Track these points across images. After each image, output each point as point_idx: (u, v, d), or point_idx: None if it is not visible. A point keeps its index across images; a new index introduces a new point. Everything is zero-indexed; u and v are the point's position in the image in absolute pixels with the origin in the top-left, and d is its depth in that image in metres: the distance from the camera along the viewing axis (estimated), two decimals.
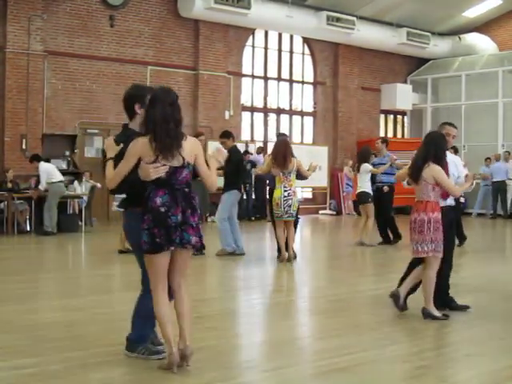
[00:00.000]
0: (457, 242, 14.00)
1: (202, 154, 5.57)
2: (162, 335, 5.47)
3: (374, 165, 14.57)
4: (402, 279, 7.79)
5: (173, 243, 5.32)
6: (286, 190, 11.58)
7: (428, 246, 7.23)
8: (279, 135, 13.43)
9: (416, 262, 7.55)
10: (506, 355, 6.04)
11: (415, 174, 7.45)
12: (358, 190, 14.54)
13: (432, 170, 7.30)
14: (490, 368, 5.68)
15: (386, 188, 14.49)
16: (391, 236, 14.60)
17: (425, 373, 5.43)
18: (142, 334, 5.80)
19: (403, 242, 13.77)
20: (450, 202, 7.80)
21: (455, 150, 14.29)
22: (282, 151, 11.61)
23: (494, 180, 22.94)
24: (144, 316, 5.76)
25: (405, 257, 12.84)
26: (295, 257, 11.96)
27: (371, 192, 14.32)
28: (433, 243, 7.23)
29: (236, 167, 12.23)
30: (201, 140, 12.71)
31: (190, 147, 5.42)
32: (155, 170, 5.25)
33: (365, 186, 14.28)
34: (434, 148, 7.40)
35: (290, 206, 11.61)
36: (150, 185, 5.33)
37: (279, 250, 12.03)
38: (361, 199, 14.54)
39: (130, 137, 5.52)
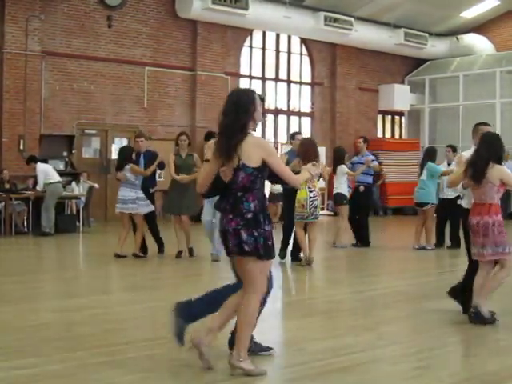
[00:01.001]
0: (449, 243, 14.03)
1: (272, 154, 5.38)
2: (245, 337, 5.38)
3: (353, 164, 14.55)
4: (463, 288, 7.51)
5: (227, 248, 5.37)
6: (311, 191, 11.26)
7: (493, 249, 7.05)
8: (296, 134, 12.95)
9: (476, 267, 7.27)
10: (503, 356, 6.05)
11: (478, 175, 7.11)
12: (334, 191, 14.38)
13: (498, 171, 7.10)
14: (487, 369, 5.69)
15: (361, 188, 14.33)
16: (357, 238, 14.37)
17: (422, 373, 5.44)
18: (194, 312, 5.79)
19: (399, 245, 13.78)
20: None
21: (453, 149, 14.36)
22: (313, 151, 11.13)
23: None
24: (210, 301, 5.78)
25: (402, 258, 12.87)
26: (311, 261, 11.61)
27: (347, 193, 14.19)
28: (499, 246, 7.05)
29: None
30: (142, 141, 12.59)
31: (252, 148, 5.27)
32: (223, 175, 5.26)
33: (341, 187, 14.12)
34: (495, 149, 7.18)
35: (315, 208, 11.34)
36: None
37: (291, 253, 11.90)
38: (336, 200, 14.41)
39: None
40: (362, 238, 14.24)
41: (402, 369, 5.57)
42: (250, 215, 5.21)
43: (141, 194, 12.02)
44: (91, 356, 5.81)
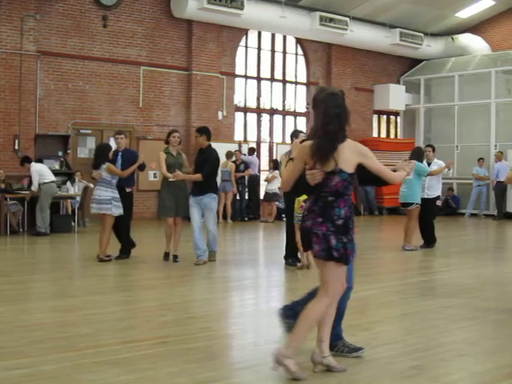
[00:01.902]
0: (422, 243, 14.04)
1: (369, 156, 5.36)
2: (303, 334, 5.42)
3: None
4: None
5: (310, 248, 5.37)
6: None
7: None
8: (298, 132, 12.40)
9: None
10: (498, 355, 6.05)
11: None
12: None
13: None
14: (482, 368, 5.69)
15: None
16: None
17: (418, 373, 5.44)
18: (337, 332, 5.86)
19: (393, 245, 13.78)
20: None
21: (433, 149, 14.48)
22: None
23: (499, 180, 22.83)
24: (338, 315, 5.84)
25: (397, 257, 12.86)
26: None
27: None
28: None
29: (215, 169, 11.59)
30: (122, 138, 12.22)
31: (349, 153, 5.26)
32: (312, 177, 5.23)
33: None
34: None
35: None
36: (311, 188, 5.34)
37: (290, 255, 11.60)
38: None
39: (308, 138, 5.60)
40: None
41: (397, 368, 5.57)
42: (340, 222, 5.24)
43: (116, 195, 11.72)
44: (85, 356, 5.81)
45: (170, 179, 11.46)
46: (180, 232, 11.85)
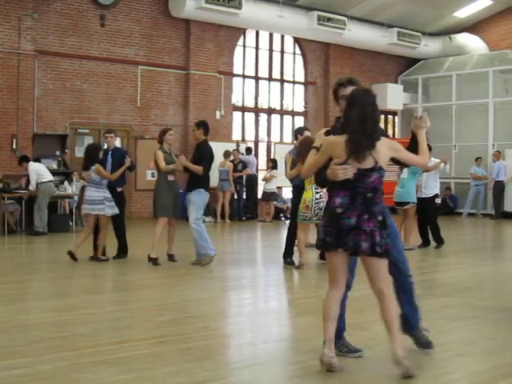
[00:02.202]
0: (434, 244, 13.96)
1: (400, 149, 5.46)
2: (323, 331, 5.44)
3: None
4: None
5: (344, 245, 5.31)
6: (317, 192, 10.80)
7: None
8: (304, 130, 12.17)
9: None
10: (496, 355, 6.05)
11: None
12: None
13: None
14: (480, 368, 5.69)
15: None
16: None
17: (416, 373, 5.43)
18: (339, 331, 5.82)
19: None
20: None
21: (429, 148, 14.21)
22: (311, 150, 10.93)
23: (498, 180, 22.81)
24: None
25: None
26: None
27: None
28: None
29: (208, 164, 11.32)
30: (111, 137, 12.15)
31: (384, 149, 5.31)
32: (344, 172, 5.21)
33: None
34: None
35: (321, 209, 10.63)
36: (336, 184, 5.31)
37: (289, 254, 11.50)
38: None
39: (333, 129, 5.69)
40: None
41: (394, 368, 5.56)
42: (380, 217, 5.29)
43: (108, 195, 11.64)
44: (83, 356, 5.80)
45: (170, 179, 11.43)
46: (174, 232, 11.73)
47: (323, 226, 5.38)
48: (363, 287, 8.68)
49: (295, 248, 11.51)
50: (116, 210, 11.73)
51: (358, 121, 5.25)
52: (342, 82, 5.85)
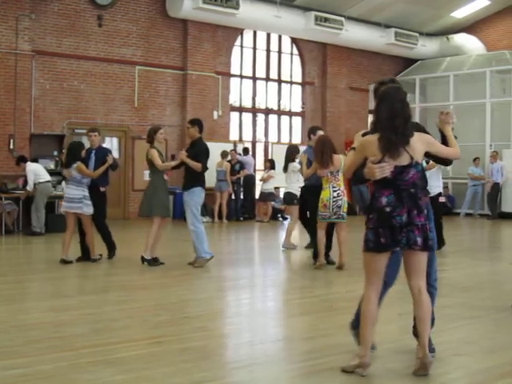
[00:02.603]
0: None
1: (433, 142, 5.49)
2: (360, 333, 5.44)
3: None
4: None
5: (398, 244, 5.31)
6: (335, 190, 10.85)
7: None
8: (313, 130, 12.22)
9: None
10: (495, 355, 6.06)
11: None
12: (285, 190, 14.08)
13: None
14: (479, 367, 5.70)
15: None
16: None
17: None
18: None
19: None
20: None
21: None
22: (328, 149, 10.85)
23: (496, 181, 22.80)
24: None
25: None
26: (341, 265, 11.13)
27: (297, 193, 13.70)
28: None
29: (206, 160, 11.15)
30: (95, 136, 11.91)
31: (419, 145, 5.33)
32: (381, 170, 5.22)
33: (291, 186, 13.79)
34: None
35: (339, 207, 10.83)
36: (376, 184, 5.32)
37: (316, 255, 11.47)
38: (286, 200, 14.06)
39: (367, 133, 5.64)
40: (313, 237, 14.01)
41: (393, 368, 5.57)
42: (425, 211, 5.34)
43: (87, 193, 11.37)
44: (81, 356, 5.80)
45: (166, 177, 11.36)
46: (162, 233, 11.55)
47: (372, 228, 5.35)
48: (361, 287, 8.68)
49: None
50: (91, 210, 11.45)
51: (388, 118, 5.26)
52: (384, 80, 5.83)
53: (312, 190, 11.50)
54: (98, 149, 11.98)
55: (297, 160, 13.87)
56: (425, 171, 5.46)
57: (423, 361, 5.32)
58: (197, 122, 11.39)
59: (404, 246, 5.29)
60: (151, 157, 11.19)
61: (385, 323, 7.32)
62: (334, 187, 10.87)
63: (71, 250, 11.45)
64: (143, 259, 11.16)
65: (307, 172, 11.43)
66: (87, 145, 12.21)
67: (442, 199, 13.87)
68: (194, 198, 11.07)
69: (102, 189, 11.82)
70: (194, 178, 11.08)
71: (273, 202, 21.33)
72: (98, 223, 11.82)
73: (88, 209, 11.39)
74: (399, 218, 5.24)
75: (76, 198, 11.30)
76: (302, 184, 13.79)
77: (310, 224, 13.98)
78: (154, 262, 11.17)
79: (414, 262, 5.41)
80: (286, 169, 13.99)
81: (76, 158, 11.45)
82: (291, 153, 14.16)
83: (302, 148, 14.71)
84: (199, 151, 11.12)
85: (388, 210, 5.26)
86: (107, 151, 12.23)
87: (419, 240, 5.27)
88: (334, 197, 10.86)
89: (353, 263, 11.52)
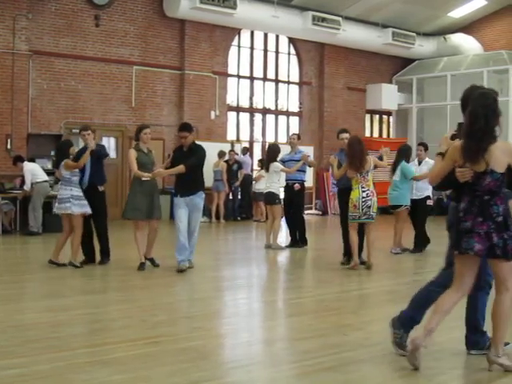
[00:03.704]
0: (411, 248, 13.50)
1: None
2: (502, 335, 5.49)
3: (283, 161, 13.90)
4: None
5: (459, 248, 5.36)
6: (364, 191, 10.91)
7: None
8: (341, 132, 12.04)
9: None
10: None
11: None
12: (266, 190, 13.97)
13: None
14: (475, 367, 5.70)
15: (297, 185, 13.86)
16: (298, 239, 14.08)
17: (411, 373, 5.45)
18: (412, 315, 5.92)
19: (387, 244, 13.77)
20: None
21: (425, 148, 13.81)
22: (358, 151, 10.91)
23: None
24: (420, 302, 5.97)
25: (390, 257, 12.87)
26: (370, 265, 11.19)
27: (279, 193, 13.79)
28: None
29: (202, 162, 10.78)
30: (88, 134, 11.15)
31: (500, 153, 5.28)
32: (461, 174, 5.28)
33: (273, 186, 13.76)
34: None
35: (369, 207, 10.92)
36: (462, 189, 5.39)
37: (346, 254, 11.55)
38: (268, 200, 13.96)
39: (455, 135, 5.67)
40: (301, 237, 14.01)
41: (389, 368, 5.58)
42: (499, 219, 5.30)
43: (76, 192, 10.90)
44: (79, 356, 5.80)
45: (144, 178, 10.66)
46: (156, 235, 11.09)
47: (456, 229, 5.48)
48: (358, 287, 8.69)
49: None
50: (86, 210, 11.00)
51: (469, 123, 5.30)
52: (476, 86, 5.79)
53: (341, 192, 11.62)
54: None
55: (278, 159, 13.90)
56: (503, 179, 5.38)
57: (489, 358, 5.48)
58: (192, 128, 10.98)
59: (464, 251, 5.36)
60: (127, 158, 10.77)
61: (379, 323, 7.33)
62: (363, 187, 10.95)
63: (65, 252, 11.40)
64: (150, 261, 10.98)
65: (338, 173, 11.44)
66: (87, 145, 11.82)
67: (429, 202, 13.77)
68: (202, 203, 10.82)
69: (100, 188, 11.35)
70: (199, 181, 10.74)
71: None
72: (99, 225, 11.41)
73: (77, 208, 10.92)
74: (464, 224, 5.34)
75: (64, 197, 10.92)
76: (284, 184, 13.85)
77: (296, 224, 14.05)
78: (140, 265, 10.76)
79: (496, 268, 5.46)
80: (267, 169, 13.89)
81: (66, 156, 11.08)
82: (273, 152, 14.07)
83: (284, 147, 14.84)
84: (198, 154, 10.63)
85: (461, 214, 5.39)
86: (102, 147, 11.91)
87: (477, 246, 5.29)
88: (363, 197, 10.93)
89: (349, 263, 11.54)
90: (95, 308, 8.14)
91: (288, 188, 14.05)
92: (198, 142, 11.20)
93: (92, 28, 19.80)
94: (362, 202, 10.93)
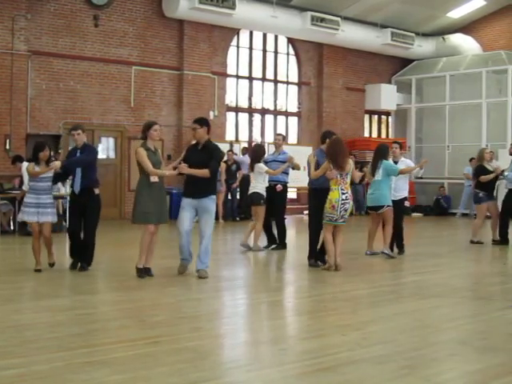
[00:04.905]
0: (396, 250, 13.24)
1: None
2: None
3: (266, 162, 13.73)
4: None
5: None
6: (343, 193, 10.80)
7: None
8: (330, 134, 11.72)
9: None
10: (489, 355, 6.06)
11: None
12: (250, 191, 13.76)
13: None
14: (473, 367, 5.70)
15: (279, 187, 13.77)
16: (277, 239, 14.02)
17: (409, 373, 5.45)
18: None
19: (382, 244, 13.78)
20: None
21: (401, 147, 13.56)
22: (342, 150, 10.87)
23: None
24: None
25: (391, 258, 12.86)
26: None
27: (264, 193, 13.55)
28: None
29: (218, 165, 10.32)
30: (78, 134, 10.72)
31: None
32: None
33: (258, 186, 13.54)
34: None
35: (346, 210, 10.83)
36: None
37: (312, 256, 11.45)
38: (253, 200, 13.70)
39: None
40: (280, 238, 13.95)
41: (387, 368, 5.58)
42: None
43: (28, 199, 10.37)
44: (77, 356, 5.80)
45: (153, 180, 9.93)
46: (156, 242, 10.43)
47: None
48: (357, 287, 8.68)
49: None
50: (26, 217, 10.47)
51: None
52: None
53: (316, 192, 11.38)
54: (83, 148, 10.76)
55: (262, 160, 13.75)
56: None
57: None
58: (206, 122, 10.25)
59: None
60: (137, 158, 10.04)
61: (377, 323, 7.34)
62: (342, 189, 10.85)
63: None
64: (136, 269, 10.12)
65: (316, 173, 11.20)
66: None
67: (407, 204, 13.62)
68: (213, 206, 10.27)
69: (96, 191, 10.64)
70: (213, 184, 10.17)
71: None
72: (90, 231, 10.68)
73: (21, 215, 10.56)
74: None
75: (33, 203, 10.40)
76: (267, 184, 13.72)
77: (277, 225, 14.00)
78: (142, 272, 10.10)
79: None
80: (252, 169, 13.72)
81: (33, 159, 10.49)
82: (256, 153, 13.91)
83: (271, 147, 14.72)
84: (213, 153, 10.06)
85: None
86: (93, 150, 11.10)
87: None
88: (342, 199, 10.83)
89: (348, 263, 11.55)
90: (94, 308, 8.14)
91: (269, 188, 13.80)
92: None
93: (91, 28, 19.82)
94: (341, 203, 10.82)
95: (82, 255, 10.74)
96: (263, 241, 13.98)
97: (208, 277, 10.06)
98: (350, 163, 11.01)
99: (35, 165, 10.49)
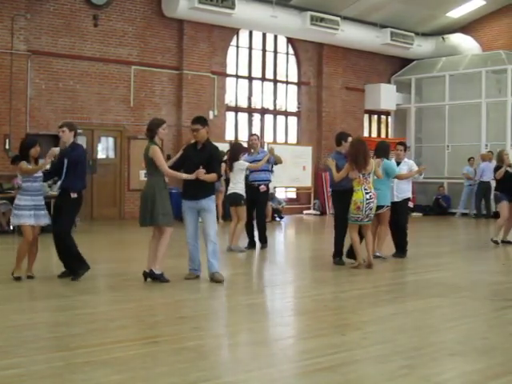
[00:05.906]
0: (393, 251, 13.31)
1: None
2: None
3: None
4: None
5: None
6: (367, 193, 10.91)
7: None
8: (345, 136, 11.79)
9: None
10: (489, 355, 6.06)
11: None
12: (230, 191, 13.40)
13: None
14: (473, 367, 5.70)
15: (263, 187, 13.63)
16: (257, 241, 13.92)
17: (409, 372, 5.45)
18: None
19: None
20: None
21: (405, 148, 13.38)
22: (363, 151, 10.95)
23: (483, 180, 22.70)
24: None
25: (388, 257, 12.85)
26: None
27: (244, 193, 13.24)
28: None
29: (220, 167, 10.30)
30: (63, 131, 10.32)
31: None
32: None
33: (237, 186, 13.20)
34: None
35: (371, 209, 10.99)
36: None
37: (338, 255, 11.58)
38: (232, 200, 13.37)
39: None
40: (260, 237, 13.85)
41: (387, 368, 5.57)
42: None
43: (18, 201, 10.00)
44: (77, 356, 5.80)
45: (167, 180, 9.84)
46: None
47: None
48: (356, 287, 8.69)
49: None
50: (17, 221, 10.10)
51: None
52: None
53: (339, 194, 11.42)
54: (72, 146, 10.28)
55: (241, 158, 13.47)
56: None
57: None
58: (206, 122, 9.97)
59: None
60: (154, 156, 9.56)
61: (377, 323, 7.33)
62: (365, 189, 10.94)
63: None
64: (152, 274, 9.71)
65: (339, 175, 11.14)
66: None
67: (410, 205, 13.49)
68: (213, 205, 10.02)
69: (72, 194, 9.93)
70: (212, 184, 9.91)
71: (270, 202, 21.26)
72: (59, 234, 10.08)
73: (13, 219, 10.21)
74: None
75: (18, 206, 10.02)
76: (243, 185, 13.46)
77: (258, 224, 13.88)
78: (163, 277, 9.73)
79: None
80: (231, 168, 13.37)
81: (24, 158, 10.05)
82: (235, 151, 13.63)
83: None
84: (214, 154, 9.88)
85: None
86: (80, 149, 10.51)
87: None
88: (366, 199, 10.92)
89: (348, 263, 11.55)
90: (93, 308, 8.13)
91: (251, 189, 13.53)
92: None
93: (90, 28, 19.80)
94: (366, 203, 10.92)
95: (65, 263, 10.25)
96: (244, 242, 13.81)
97: (224, 280, 9.77)
98: (372, 163, 11.12)
99: (27, 163, 10.03)
